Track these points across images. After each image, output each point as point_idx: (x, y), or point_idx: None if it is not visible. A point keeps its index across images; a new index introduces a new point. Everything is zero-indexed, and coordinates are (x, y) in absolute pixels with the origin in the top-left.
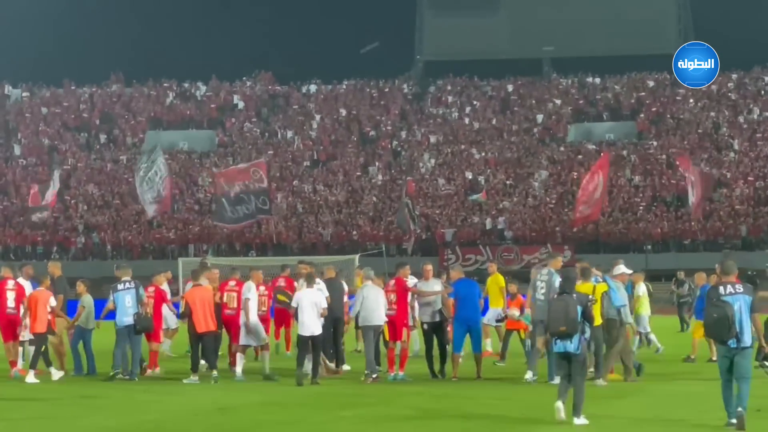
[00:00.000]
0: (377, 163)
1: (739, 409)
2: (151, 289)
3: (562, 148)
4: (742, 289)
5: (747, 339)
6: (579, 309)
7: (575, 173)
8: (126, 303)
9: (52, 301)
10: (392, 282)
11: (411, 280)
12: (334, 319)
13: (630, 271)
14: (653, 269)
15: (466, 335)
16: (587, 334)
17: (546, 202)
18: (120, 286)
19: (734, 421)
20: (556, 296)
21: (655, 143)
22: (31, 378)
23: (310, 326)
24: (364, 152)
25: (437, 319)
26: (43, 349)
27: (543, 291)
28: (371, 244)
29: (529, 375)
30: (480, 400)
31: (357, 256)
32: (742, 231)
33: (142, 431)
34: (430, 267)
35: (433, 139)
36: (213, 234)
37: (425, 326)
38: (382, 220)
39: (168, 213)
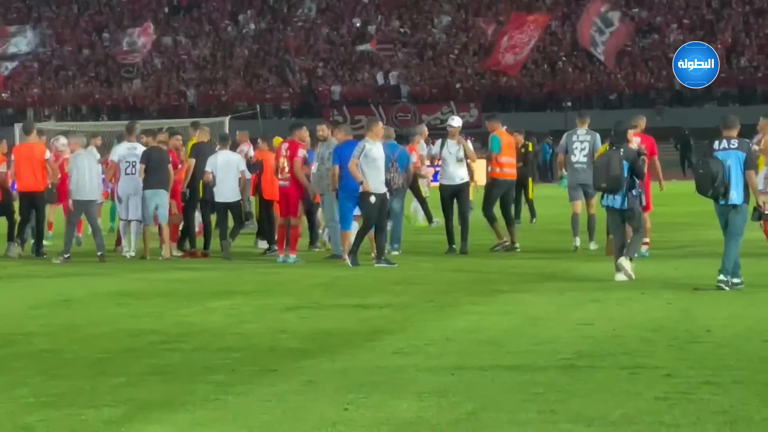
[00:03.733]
0: (249, 11)
1: (721, 276)
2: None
3: None
4: (736, 145)
5: (736, 196)
6: (626, 164)
7: (482, 18)
8: None
9: None
10: (285, 146)
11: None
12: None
13: None
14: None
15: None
16: (635, 191)
17: (448, 52)
18: None
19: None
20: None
21: None
22: None
23: (227, 191)
24: None
25: (384, 190)
26: None
27: (585, 153)
28: (243, 105)
29: (577, 241)
30: (375, 285)
31: (227, 119)
32: (675, 84)
33: None
34: (380, 124)
35: None
36: (56, 96)
37: (373, 198)
38: (257, 78)
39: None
